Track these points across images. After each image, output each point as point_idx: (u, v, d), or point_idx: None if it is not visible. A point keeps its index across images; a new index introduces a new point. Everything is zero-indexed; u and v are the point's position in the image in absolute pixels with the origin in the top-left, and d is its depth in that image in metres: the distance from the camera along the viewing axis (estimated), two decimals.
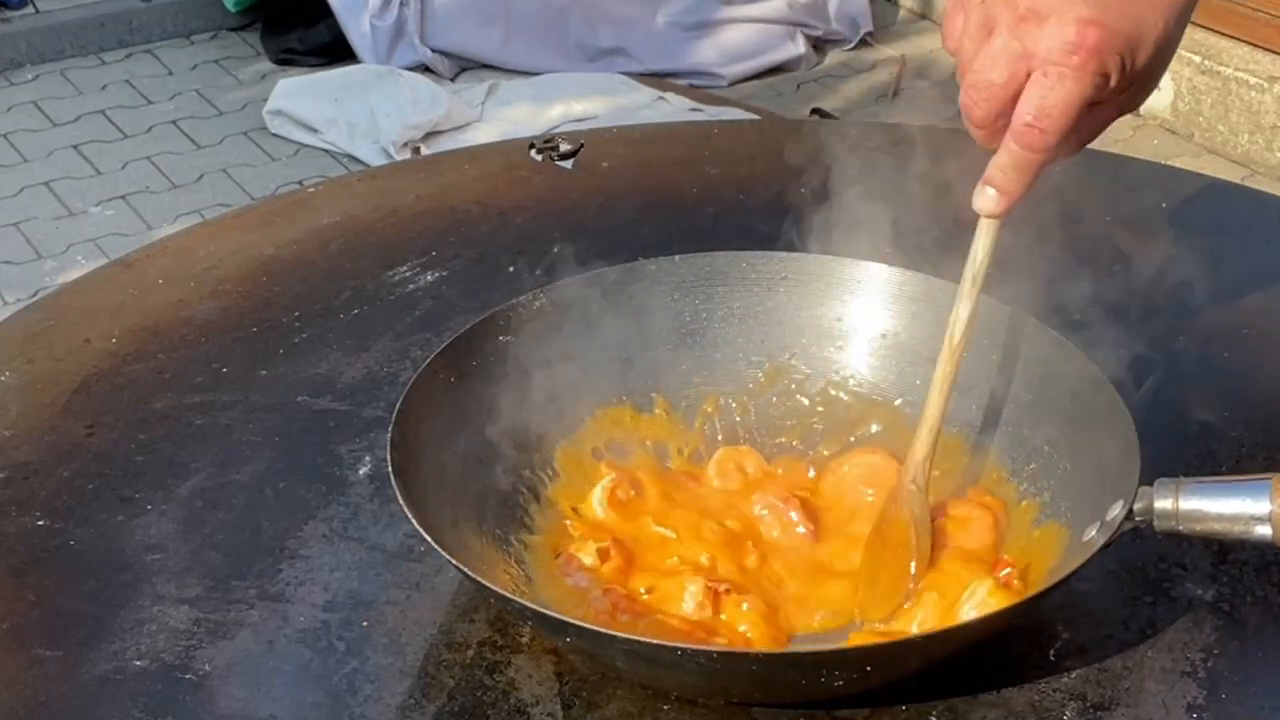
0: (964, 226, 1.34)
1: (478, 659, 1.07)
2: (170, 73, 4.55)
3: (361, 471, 1.25)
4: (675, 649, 1.00)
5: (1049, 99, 1.01)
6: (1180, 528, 1.04)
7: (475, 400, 1.17)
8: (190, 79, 4.51)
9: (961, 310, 1.11)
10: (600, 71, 4.34)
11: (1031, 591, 1.04)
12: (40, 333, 1.42)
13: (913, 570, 1.10)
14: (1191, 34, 4.10)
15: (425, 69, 4.37)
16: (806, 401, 1.27)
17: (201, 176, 4.02)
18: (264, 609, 1.12)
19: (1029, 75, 1.01)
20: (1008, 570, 1.09)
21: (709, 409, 1.26)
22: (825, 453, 1.24)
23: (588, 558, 1.11)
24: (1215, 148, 4.01)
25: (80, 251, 3.70)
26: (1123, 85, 1.03)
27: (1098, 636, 1.09)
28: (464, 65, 4.43)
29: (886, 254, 1.29)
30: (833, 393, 1.27)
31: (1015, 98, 1.02)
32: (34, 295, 3.40)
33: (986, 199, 1.07)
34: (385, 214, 1.62)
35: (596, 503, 1.17)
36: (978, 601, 1.06)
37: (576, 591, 1.11)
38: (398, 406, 1.12)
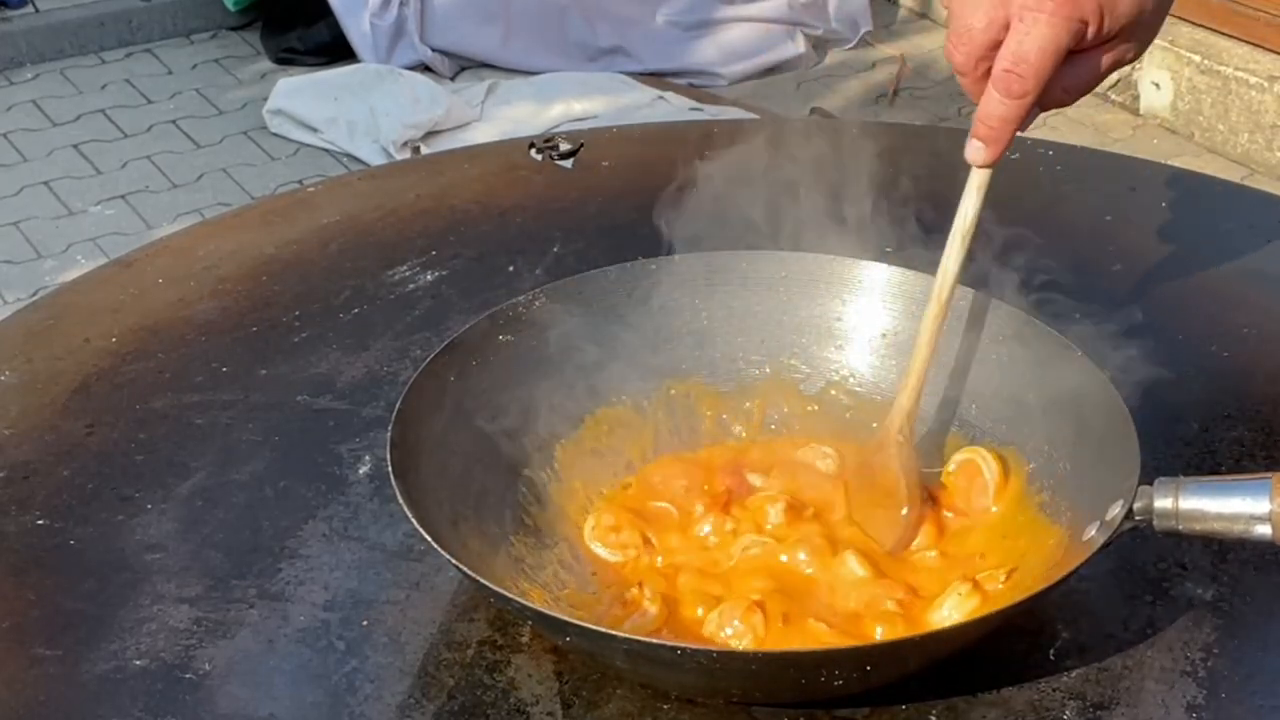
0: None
1: (478, 658, 1.07)
2: (170, 72, 4.55)
3: (361, 471, 1.25)
4: (675, 648, 1.00)
5: (1024, 44, 1.03)
6: (1180, 527, 1.04)
7: (475, 400, 1.17)
8: (190, 78, 4.51)
9: (950, 265, 1.14)
10: (600, 71, 4.34)
11: (1031, 591, 1.04)
12: (40, 332, 1.42)
13: (904, 514, 1.12)
14: (1192, 33, 4.10)
15: (425, 68, 4.36)
16: (806, 401, 1.27)
17: (201, 176, 4.02)
18: (264, 608, 1.12)
19: (1008, 22, 1.04)
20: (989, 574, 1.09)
21: (709, 409, 1.26)
22: (822, 451, 1.24)
23: (651, 606, 1.10)
24: (1215, 147, 4.01)
25: (80, 251, 3.70)
26: (1106, 34, 1.04)
27: (1098, 636, 1.09)
28: (464, 64, 4.43)
29: (886, 254, 1.29)
30: (833, 393, 1.27)
31: (996, 45, 1.05)
32: (34, 295, 3.39)
33: (974, 149, 1.10)
34: (385, 213, 1.62)
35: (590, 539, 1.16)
36: (954, 605, 1.07)
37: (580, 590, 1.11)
38: (398, 406, 1.12)
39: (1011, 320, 1.21)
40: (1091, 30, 1.04)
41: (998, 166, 1.11)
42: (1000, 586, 1.08)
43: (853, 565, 1.12)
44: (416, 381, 1.15)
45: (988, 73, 1.06)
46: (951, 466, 1.18)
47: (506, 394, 1.18)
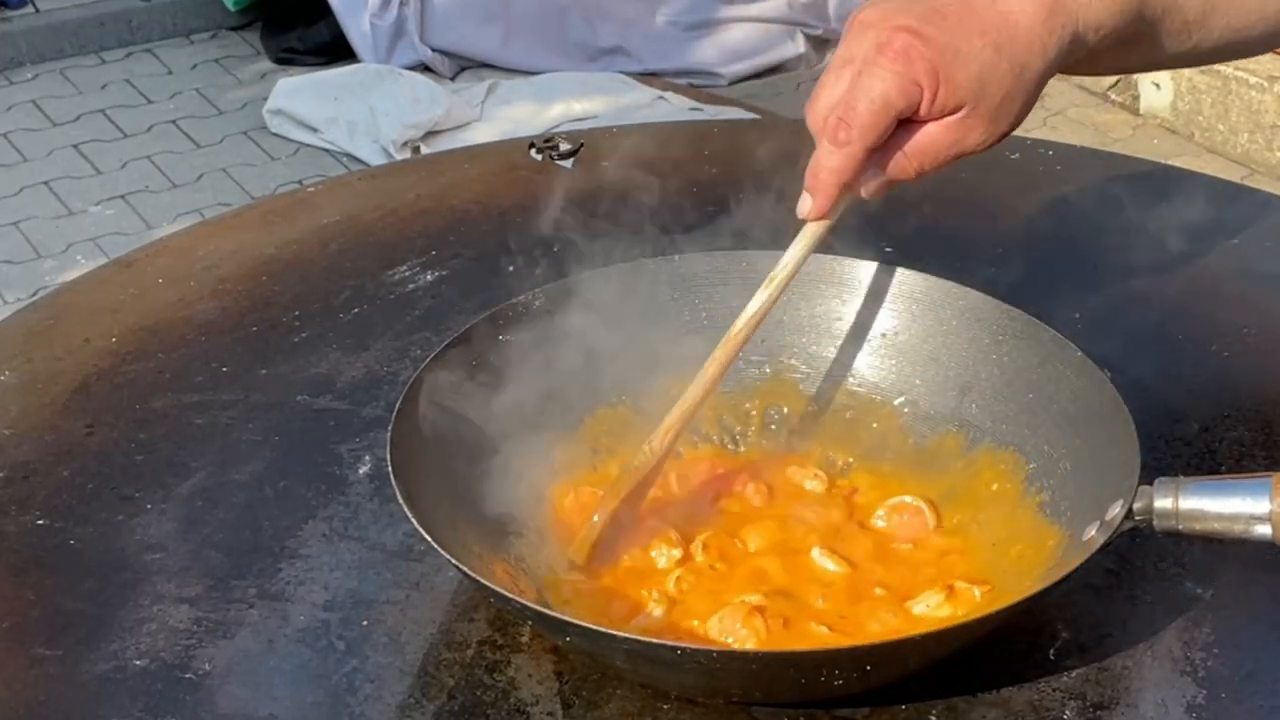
0: (961, 225, 1.34)
1: (477, 658, 1.07)
2: (170, 72, 4.55)
3: (361, 471, 1.25)
4: (675, 648, 1.00)
5: (855, 94, 1.06)
6: (1180, 527, 1.04)
7: (475, 399, 1.17)
8: (190, 78, 4.51)
9: (750, 305, 1.14)
10: (600, 71, 4.34)
11: (1031, 591, 1.03)
12: (40, 332, 1.42)
13: (594, 519, 1.12)
14: None
15: (425, 68, 4.36)
16: (806, 401, 1.27)
17: (201, 176, 4.02)
18: (264, 608, 1.12)
19: (851, 81, 1.06)
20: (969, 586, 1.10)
21: (709, 408, 1.26)
22: (820, 451, 1.24)
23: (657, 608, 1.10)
24: (1215, 147, 4.01)
25: (80, 251, 3.70)
26: (941, 104, 1.06)
27: (1098, 636, 1.09)
28: (464, 64, 4.43)
29: (886, 254, 1.29)
30: (833, 392, 1.27)
31: (840, 103, 1.07)
32: (34, 295, 3.40)
33: (803, 203, 1.11)
34: (385, 213, 1.62)
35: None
36: (929, 607, 1.07)
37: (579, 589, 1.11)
38: (398, 406, 1.12)
39: (1011, 320, 1.21)
40: (927, 95, 1.05)
41: (840, 216, 1.11)
42: (977, 598, 1.08)
43: (823, 563, 1.12)
44: (416, 381, 1.15)
45: None
46: (881, 517, 1.18)
47: (506, 394, 1.18)
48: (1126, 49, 1.14)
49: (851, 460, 1.23)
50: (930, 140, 1.08)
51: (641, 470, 1.14)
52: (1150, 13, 1.13)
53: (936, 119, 1.07)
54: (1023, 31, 1.07)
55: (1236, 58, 1.26)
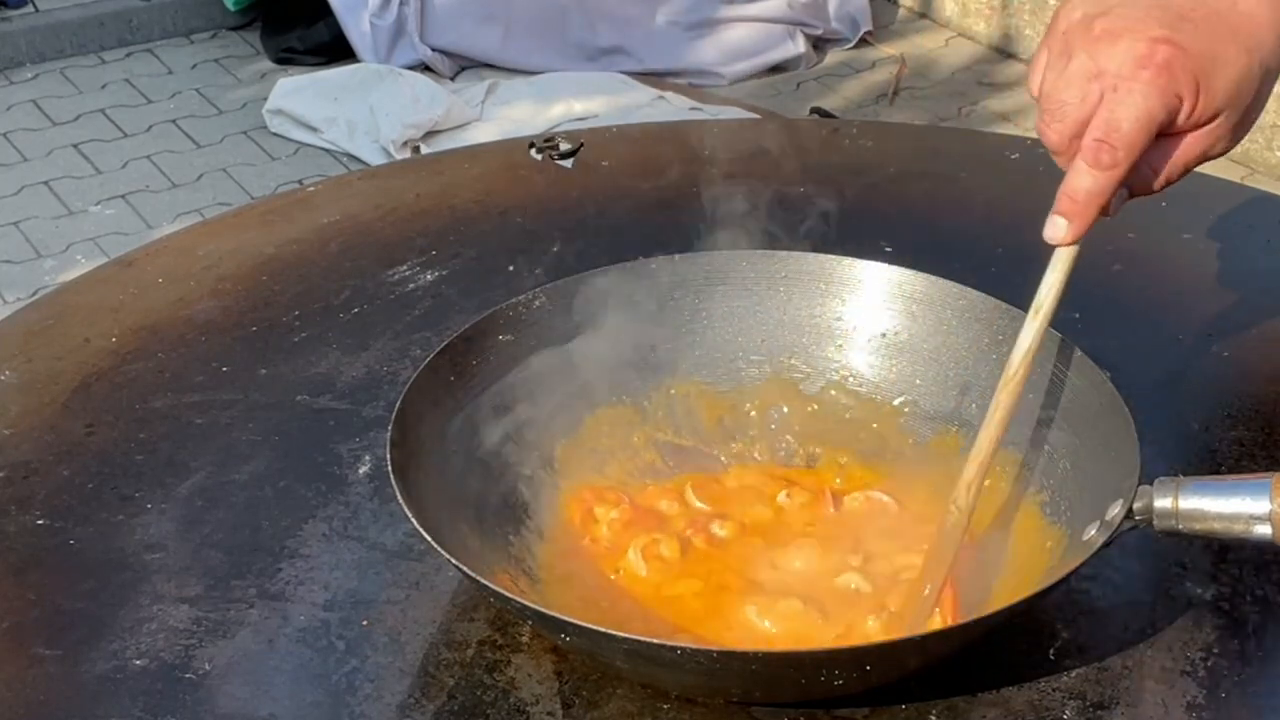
0: (961, 225, 1.34)
1: (477, 658, 1.07)
2: (170, 72, 4.55)
3: (361, 470, 1.25)
4: (675, 648, 1.00)
5: (1116, 113, 1.00)
6: (1180, 527, 1.04)
7: (475, 399, 1.17)
8: (190, 78, 4.51)
9: (1023, 340, 1.08)
10: (600, 71, 4.34)
11: (1031, 591, 1.03)
12: (40, 332, 1.42)
13: (926, 592, 1.08)
14: None
15: (425, 68, 4.36)
16: (806, 401, 1.27)
17: (201, 176, 4.02)
18: (264, 608, 1.12)
19: (1102, 97, 1.01)
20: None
21: (709, 409, 1.26)
22: (820, 451, 1.24)
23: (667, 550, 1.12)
24: None
25: (80, 250, 3.69)
26: (1200, 114, 1.02)
27: (1098, 636, 1.09)
28: (464, 64, 4.43)
29: (886, 253, 1.29)
30: (833, 392, 1.27)
31: (1089, 120, 1.01)
32: (34, 294, 3.39)
33: (1056, 228, 1.05)
34: (385, 213, 1.62)
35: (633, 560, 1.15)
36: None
37: (578, 589, 1.11)
38: (398, 406, 1.12)
39: (1011, 320, 1.21)
40: (1186, 106, 1.02)
41: (1083, 242, 1.06)
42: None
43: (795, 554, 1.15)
44: (416, 381, 1.15)
45: None
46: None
47: (506, 394, 1.18)
48: None
49: (847, 461, 1.23)
50: (1182, 151, 1.04)
51: (956, 530, 1.09)
52: None
53: (1190, 130, 1.04)
54: (1266, 32, 1.03)
55: None
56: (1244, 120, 1.05)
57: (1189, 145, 1.04)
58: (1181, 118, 1.02)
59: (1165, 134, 1.03)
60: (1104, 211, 1.04)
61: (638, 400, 1.25)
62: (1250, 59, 1.03)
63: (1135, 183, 1.05)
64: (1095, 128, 1.01)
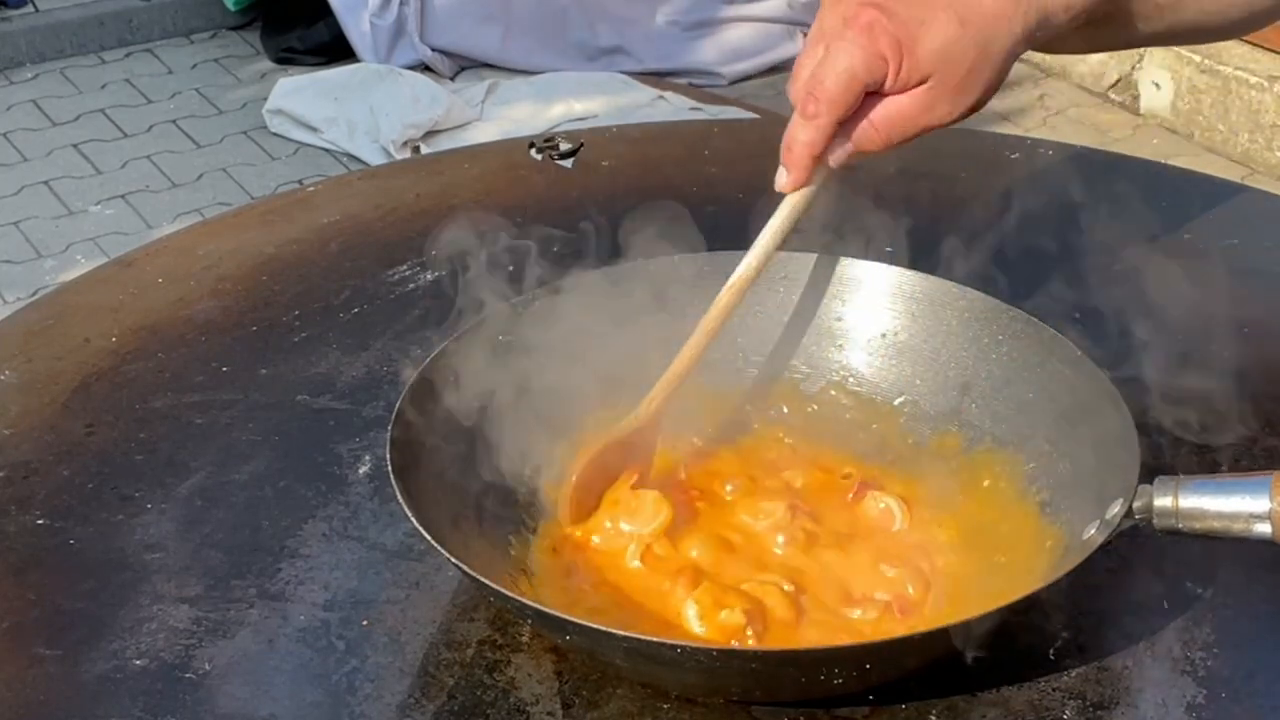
0: (961, 225, 1.34)
1: (477, 658, 1.07)
2: (170, 72, 4.55)
3: (361, 470, 1.25)
4: (675, 647, 0.99)
5: (823, 67, 1.09)
6: (1180, 526, 1.04)
7: (475, 399, 1.17)
8: (190, 78, 4.52)
9: (737, 272, 1.17)
10: (600, 70, 4.34)
11: (1031, 591, 1.03)
12: (40, 332, 1.42)
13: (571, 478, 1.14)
14: None
15: (425, 68, 4.37)
16: (806, 401, 1.27)
17: (201, 175, 4.02)
18: (264, 608, 1.12)
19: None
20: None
21: (709, 408, 1.26)
22: (820, 450, 1.24)
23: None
24: (1215, 147, 4.01)
25: (80, 250, 3.70)
26: (906, 76, 1.08)
27: (1098, 636, 1.09)
28: (464, 64, 4.43)
29: (886, 253, 1.29)
30: (833, 393, 1.27)
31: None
32: (34, 294, 3.40)
33: (780, 176, 1.14)
34: (385, 213, 1.62)
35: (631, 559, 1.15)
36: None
37: (576, 589, 1.11)
38: (398, 406, 1.12)
39: (1011, 320, 1.21)
40: (891, 67, 1.08)
41: (823, 187, 1.14)
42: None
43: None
44: (416, 381, 1.15)
45: None
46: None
47: (506, 393, 1.18)
48: (1097, 28, 1.16)
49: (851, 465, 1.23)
50: (897, 112, 1.11)
51: (622, 431, 1.16)
52: None
53: (902, 91, 1.10)
54: (989, 7, 1.09)
55: (1211, 40, 1.28)
56: (963, 88, 1.10)
57: (903, 107, 1.11)
58: (889, 80, 1.09)
59: (880, 93, 1.10)
60: (820, 161, 1.12)
61: (637, 400, 1.24)
62: (964, 29, 1.09)
63: (860, 140, 1.12)
64: (807, 82, 1.10)
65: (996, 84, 1.12)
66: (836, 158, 1.13)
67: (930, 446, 1.22)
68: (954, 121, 1.12)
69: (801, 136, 1.11)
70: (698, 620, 1.07)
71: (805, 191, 1.14)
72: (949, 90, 1.10)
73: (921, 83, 1.09)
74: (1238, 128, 3.97)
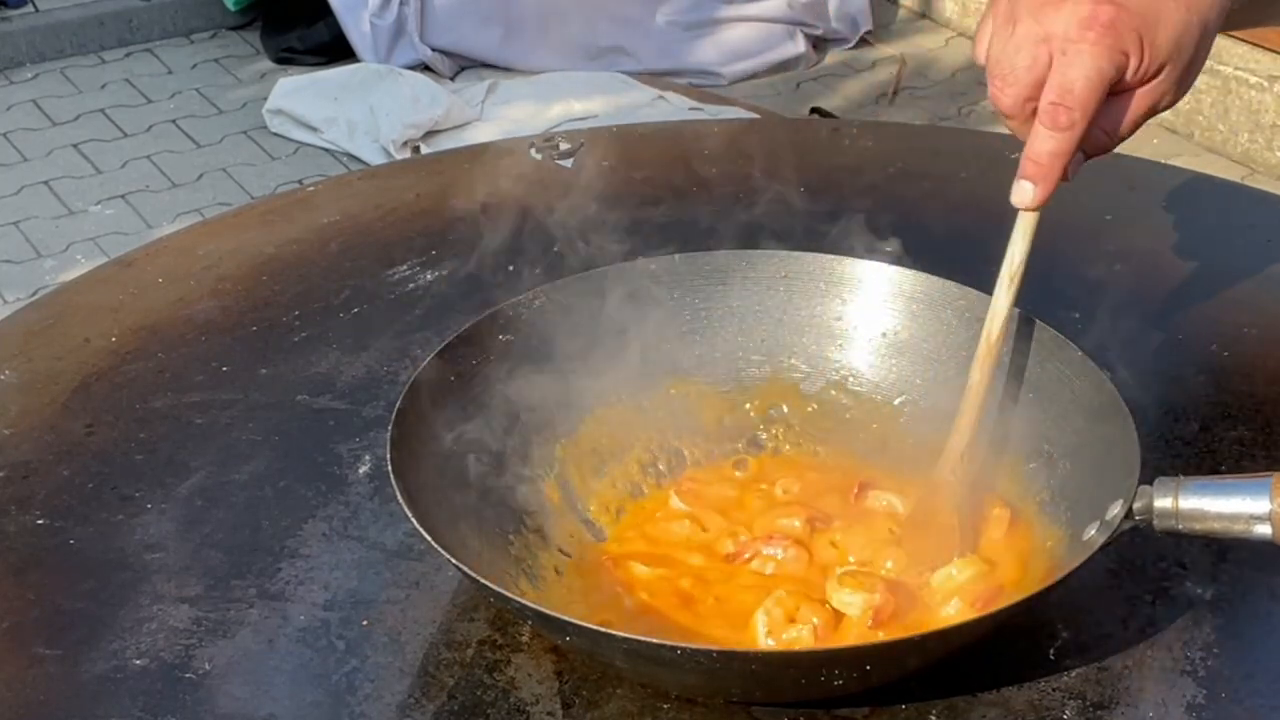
0: (961, 224, 1.34)
1: (477, 658, 1.07)
2: (170, 72, 4.55)
3: (361, 470, 1.25)
4: (675, 648, 0.99)
5: (1069, 74, 1.04)
6: (1180, 527, 1.04)
7: (475, 399, 1.17)
8: (190, 78, 4.51)
9: (999, 304, 1.12)
10: (600, 70, 4.34)
11: (1031, 591, 1.04)
12: (40, 332, 1.42)
13: (955, 561, 1.11)
14: None
15: (425, 68, 4.36)
16: (806, 401, 1.27)
17: (201, 175, 4.02)
18: (264, 608, 1.12)
19: (1051, 60, 1.04)
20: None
21: (709, 409, 1.26)
22: (822, 451, 1.24)
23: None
24: (1215, 147, 4.01)
25: (80, 250, 3.70)
26: (1145, 70, 1.05)
27: (1098, 636, 1.09)
28: (464, 64, 4.43)
29: (886, 253, 1.29)
30: (833, 393, 1.27)
31: (1041, 84, 1.05)
32: (34, 294, 3.40)
33: (1023, 192, 1.09)
34: (385, 213, 1.62)
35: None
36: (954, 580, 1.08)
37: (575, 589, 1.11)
38: (398, 406, 1.12)
39: (1011, 320, 1.21)
40: (1133, 63, 1.05)
41: (1047, 208, 1.10)
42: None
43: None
44: (416, 381, 1.15)
45: (1034, 113, 1.06)
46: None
47: (506, 394, 1.18)
48: (1269, 3, 1.15)
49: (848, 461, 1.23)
50: (1133, 107, 1.07)
51: (954, 495, 1.13)
52: None
53: (1138, 86, 1.07)
54: None
55: None
56: (1187, 73, 1.08)
57: (1139, 101, 1.08)
58: (1130, 74, 1.05)
59: (1114, 92, 1.06)
60: (1064, 176, 1.07)
61: (637, 400, 1.25)
62: (1189, 14, 1.06)
63: (1090, 144, 1.08)
64: (1049, 91, 1.04)
65: (1203, 65, 1.10)
66: (1071, 168, 1.08)
67: (930, 446, 1.22)
68: (1171, 106, 1.09)
69: (1050, 148, 1.05)
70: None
71: (1039, 213, 1.10)
72: (1178, 77, 1.07)
73: (1158, 74, 1.06)
74: (1238, 128, 3.96)
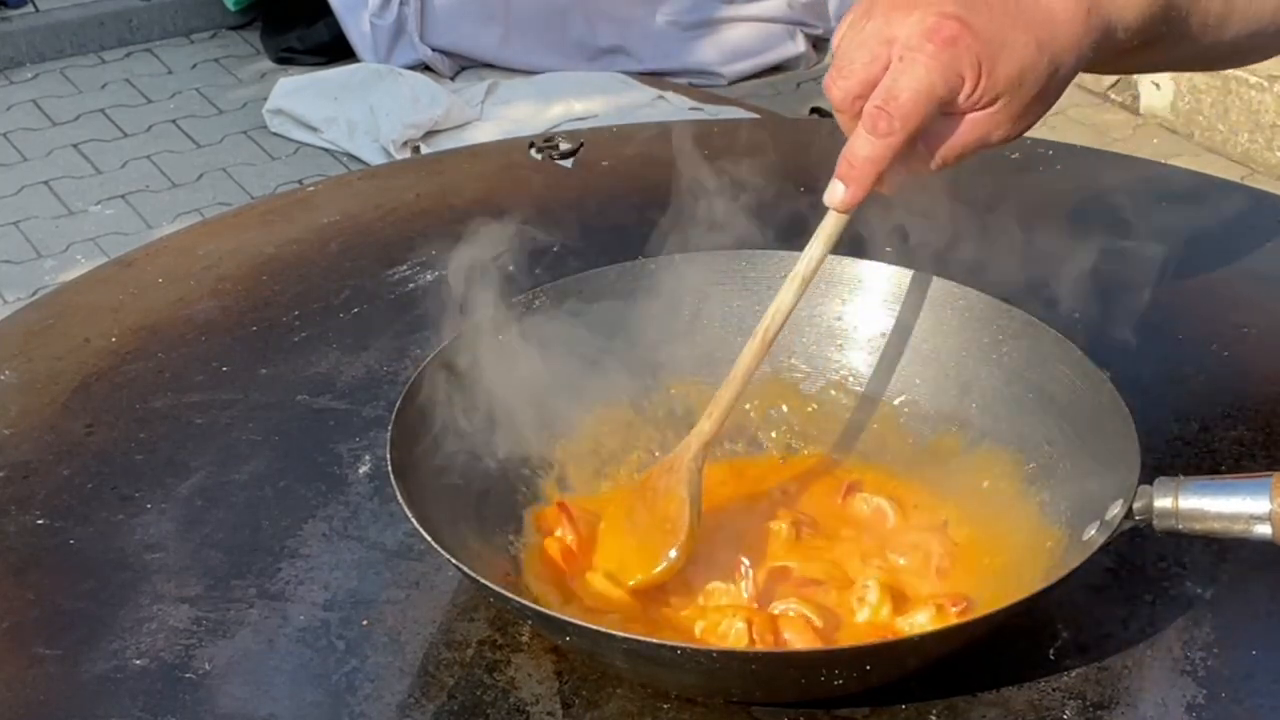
0: (960, 225, 1.34)
1: (477, 658, 1.07)
2: (170, 71, 4.55)
3: (361, 470, 1.25)
4: (674, 648, 1.00)
5: (899, 83, 1.02)
6: (1180, 527, 1.04)
7: (475, 399, 1.17)
8: (190, 78, 4.51)
9: (783, 301, 1.12)
10: (600, 70, 4.34)
11: (1031, 591, 1.04)
12: (40, 332, 1.42)
13: (673, 555, 1.09)
14: None
15: (425, 68, 4.36)
16: (806, 401, 1.27)
17: (201, 175, 4.02)
18: (264, 608, 1.12)
19: (889, 63, 1.03)
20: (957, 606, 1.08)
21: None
22: (822, 452, 1.24)
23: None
24: (1215, 147, 4.01)
25: (80, 250, 3.70)
26: (980, 97, 1.04)
27: (1098, 636, 1.09)
28: (464, 64, 4.43)
29: (886, 253, 1.29)
30: (833, 393, 1.27)
31: (874, 83, 1.03)
32: (34, 294, 3.40)
33: (834, 191, 1.07)
34: (385, 213, 1.62)
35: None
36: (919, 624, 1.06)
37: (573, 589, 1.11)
38: (398, 406, 1.12)
39: (1011, 320, 1.21)
40: (967, 86, 1.03)
41: (856, 212, 1.09)
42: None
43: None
44: (416, 381, 1.15)
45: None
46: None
47: (506, 394, 1.18)
48: (1149, 49, 1.12)
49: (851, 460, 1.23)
50: (961, 132, 1.06)
51: (693, 487, 1.12)
52: (1176, 13, 1.11)
53: (969, 111, 1.05)
54: (1062, 28, 1.05)
55: (1254, 60, 1.24)
56: (1027, 110, 1.06)
57: (967, 127, 1.06)
58: (962, 97, 1.04)
59: (945, 113, 1.04)
60: (880, 184, 1.06)
61: (637, 400, 1.25)
62: (1040, 53, 1.04)
63: (912, 162, 1.06)
64: (876, 95, 1.03)
65: (1051, 106, 1.08)
66: (889, 181, 1.06)
67: (930, 446, 1.22)
68: (1005, 144, 1.07)
69: (867, 153, 1.04)
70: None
71: (847, 215, 1.09)
72: (1015, 113, 1.05)
73: (992, 104, 1.04)
74: (1238, 128, 3.96)
